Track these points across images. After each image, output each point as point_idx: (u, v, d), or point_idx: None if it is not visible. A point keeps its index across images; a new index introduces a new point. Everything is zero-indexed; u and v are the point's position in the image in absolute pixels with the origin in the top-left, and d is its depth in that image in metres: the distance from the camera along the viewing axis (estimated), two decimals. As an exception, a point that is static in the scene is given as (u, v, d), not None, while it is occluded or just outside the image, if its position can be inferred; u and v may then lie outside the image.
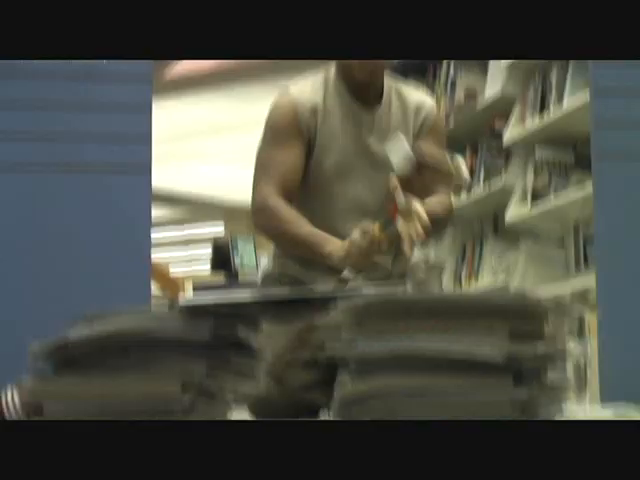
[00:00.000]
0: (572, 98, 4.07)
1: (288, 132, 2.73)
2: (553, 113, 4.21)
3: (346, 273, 2.63)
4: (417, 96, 2.92)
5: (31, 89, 3.03)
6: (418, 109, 2.87)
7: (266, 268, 2.97)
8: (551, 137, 4.37)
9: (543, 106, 4.34)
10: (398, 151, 2.63)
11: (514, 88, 4.60)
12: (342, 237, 2.67)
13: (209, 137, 15.52)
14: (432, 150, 2.71)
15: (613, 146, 3.33)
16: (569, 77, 4.16)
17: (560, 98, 4.18)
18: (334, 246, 2.63)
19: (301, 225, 2.69)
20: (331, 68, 2.83)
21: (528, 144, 4.49)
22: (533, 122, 4.38)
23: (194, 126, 14.87)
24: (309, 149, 2.75)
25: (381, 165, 2.68)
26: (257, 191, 2.78)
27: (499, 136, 4.69)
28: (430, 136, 2.84)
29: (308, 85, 2.80)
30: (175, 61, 12.22)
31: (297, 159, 2.73)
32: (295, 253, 2.76)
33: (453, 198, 3.00)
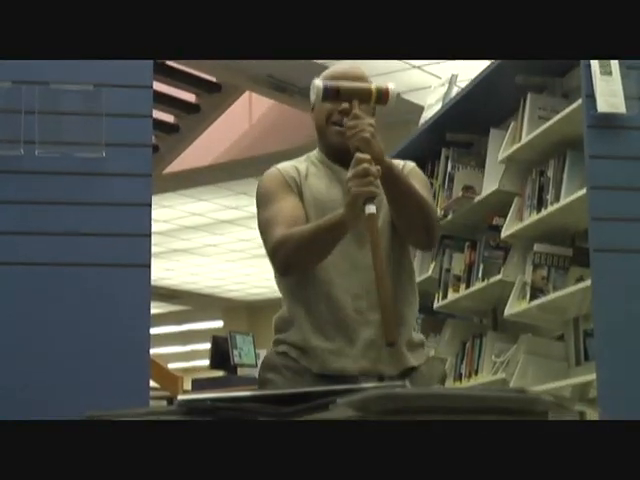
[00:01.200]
0: (569, 192, 4.09)
1: (279, 190, 2.87)
2: (550, 208, 4.23)
3: (370, 207, 2.59)
4: (395, 160, 3.01)
5: (30, 184, 3.06)
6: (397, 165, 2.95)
7: (266, 358, 2.98)
8: (549, 231, 4.39)
9: (541, 201, 4.36)
10: None
11: (511, 183, 4.63)
12: (335, 291, 2.80)
13: (208, 232, 15.59)
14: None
15: (611, 239, 3.35)
16: (566, 172, 4.20)
17: (557, 193, 4.20)
18: (342, 209, 2.67)
19: (312, 225, 2.76)
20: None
21: (526, 238, 4.51)
22: (531, 217, 4.40)
23: (192, 221, 14.96)
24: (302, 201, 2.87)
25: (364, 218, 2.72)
26: (268, 243, 2.83)
27: (497, 231, 4.71)
28: (411, 179, 2.89)
29: (286, 163, 2.96)
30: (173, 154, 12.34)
31: (295, 204, 2.85)
32: (326, 244, 2.75)
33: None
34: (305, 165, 2.95)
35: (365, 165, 2.61)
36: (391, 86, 2.79)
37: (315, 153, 2.99)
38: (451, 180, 5.18)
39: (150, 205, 3.10)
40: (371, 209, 2.59)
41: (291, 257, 2.78)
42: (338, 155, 2.85)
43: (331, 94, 2.77)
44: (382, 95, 2.78)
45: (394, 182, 2.76)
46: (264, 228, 2.87)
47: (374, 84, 2.80)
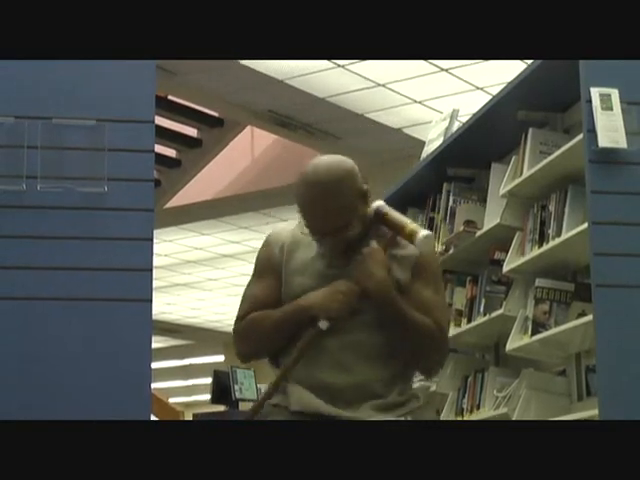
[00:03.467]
0: (571, 227, 4.09)
1: (263, 269, 3.04)
2: (552, 242, 4.23)
3: (322, 323, 2.82)
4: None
5: (32, 219, 3.06)
6: None
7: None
8: (551, 266, 4.39)
9: (542, 235, 4.36)
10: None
11: (513, 218, 4.63)
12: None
13: (210, 267, 15.58)
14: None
15: (613, 274, 3.34)
16: (567, 207, 4.20)
17: (559, 227, 4.20)
18: (313, 297, 2.88)
19: (276, 311, 2.93)
20: None
21: (528, 273, 4.51)
22: (532, 251, 4.40)
23: (194, 256, 14.96)
24: (280, 281, 3.00)
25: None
26: (235, 322, 3.03)
27: (499, 265, 4.71)
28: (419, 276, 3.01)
29: (285, 227, 3.09)
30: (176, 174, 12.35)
31: (268, 289, 2.99)
32: (285, 333, 2.92)
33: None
34: (291, 237, 3.03)
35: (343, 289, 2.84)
36: (423, 233, 2.91)
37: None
38: (452, 214, 5.18)
39: (152, 240, 3.10)
40: (322, 324, 2.81)
41: (249, 340, 2.99)
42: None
43: (379, 216, 2.96)
44: (412, 236, 2.92)
45: (394, 320, 2.87)
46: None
47: (413, 224, 2.96)
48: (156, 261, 3.16)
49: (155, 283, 3.11)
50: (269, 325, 2.92)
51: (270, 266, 3.00)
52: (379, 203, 2.99)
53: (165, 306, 17.50)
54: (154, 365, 3.11)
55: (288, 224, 3.10)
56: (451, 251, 5.23)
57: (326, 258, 2.94)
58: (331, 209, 2.84)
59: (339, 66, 9.01)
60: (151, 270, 3.08)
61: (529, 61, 4.30)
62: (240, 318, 2.99)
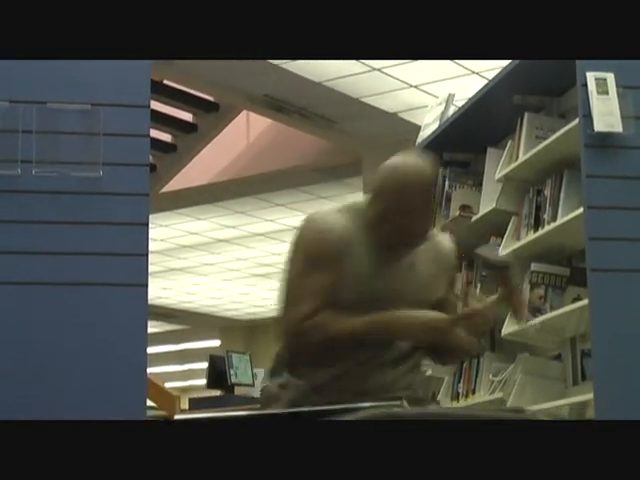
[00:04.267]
0: (566, 212, 4.09)
1: (323, 258, 2.85)
2: (548, 227, 4.23)
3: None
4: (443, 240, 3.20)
5: (27, 204, 3.06)
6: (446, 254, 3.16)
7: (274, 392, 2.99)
8: (546, 250, 4.39)
9: (538, 220, 4.37)
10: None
11: (509, 203, 4.63)
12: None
13: (205, 251, 15.58)
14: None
15: (608, 259, 3.35)
16: (563, 191, 4.20)
17: (554, 212, 4.21)
18: (408, 322, 2.84)
19: (357, 320, 2.80)
20: (352, 205, 3.00)
21: (523, 258, 4.51)
22: (528, 236, 4.40)
23: (189, 240, 14.95)
24: (337, 274, 2.86)
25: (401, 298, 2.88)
26: (295, 312, 2.84)
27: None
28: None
29: (335, 218, 2.93)
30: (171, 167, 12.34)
31: (330, 281, 2.83)
32: (360, 342, 2.82)
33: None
34: (352, 234, 2.90)
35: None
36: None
37: (364, 220, 2.93)
38: (448, 199, 5.19)
39: (147, 224, 3.10)
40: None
41: (324, 342, 2.81)
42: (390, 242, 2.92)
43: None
44: None
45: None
46: (292, 296, 2.88)
47: None
48: (152, 246, 3.16)
49: (151, 268, 3.11)
50: (347, 330, 2.80)
51: (331, 257, 2.84)
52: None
53: (161, 291, 17.49)
54: (150, 350, 3.10)
55: (331, 212, 2.97)
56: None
57: (396, 266, 2.92)
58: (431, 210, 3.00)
59: (335, 50, 8.98)
60: (147, 255, 3.07)
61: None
62: (310, 315, 2.80)
